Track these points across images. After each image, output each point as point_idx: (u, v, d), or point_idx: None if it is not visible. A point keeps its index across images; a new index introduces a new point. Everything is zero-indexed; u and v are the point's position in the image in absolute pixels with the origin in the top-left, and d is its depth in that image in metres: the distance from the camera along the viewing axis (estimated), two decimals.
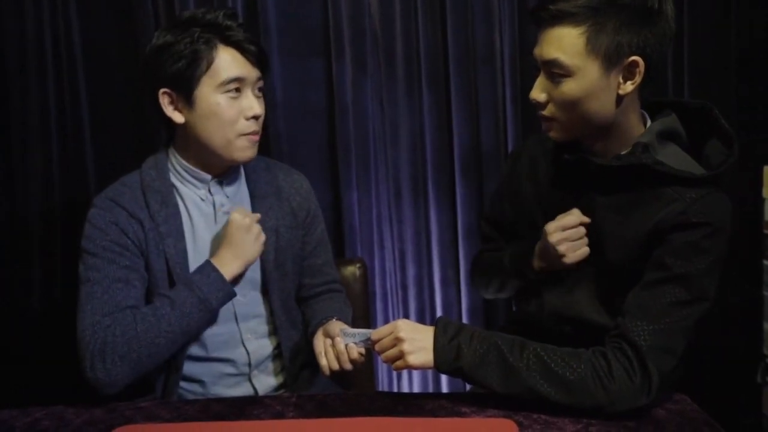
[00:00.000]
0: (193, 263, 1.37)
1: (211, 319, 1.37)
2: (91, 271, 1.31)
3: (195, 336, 1.37)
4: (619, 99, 1.14)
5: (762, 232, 1.95)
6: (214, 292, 1.31)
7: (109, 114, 1.98)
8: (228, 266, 1.34)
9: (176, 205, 1.39)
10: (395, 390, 2.10)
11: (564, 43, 1.10)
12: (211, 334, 1.40)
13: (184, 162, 1.40)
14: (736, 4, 2.01)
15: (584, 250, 1.21)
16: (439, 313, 2.12)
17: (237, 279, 1.37)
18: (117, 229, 1.34)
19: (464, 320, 2.13)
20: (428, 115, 2.05)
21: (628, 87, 1.12)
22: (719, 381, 2.02)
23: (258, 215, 1.39)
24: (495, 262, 1.41)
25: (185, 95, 1.32)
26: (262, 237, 1.38)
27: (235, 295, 1.36)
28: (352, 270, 1.75)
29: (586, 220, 1.21)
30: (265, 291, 1.45)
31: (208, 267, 1.33)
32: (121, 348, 1.25)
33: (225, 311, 1.40)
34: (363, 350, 1.24)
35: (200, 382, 1.42)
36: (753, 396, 2.02)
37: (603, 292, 1.21)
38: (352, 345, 1.23)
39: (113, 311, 1.28)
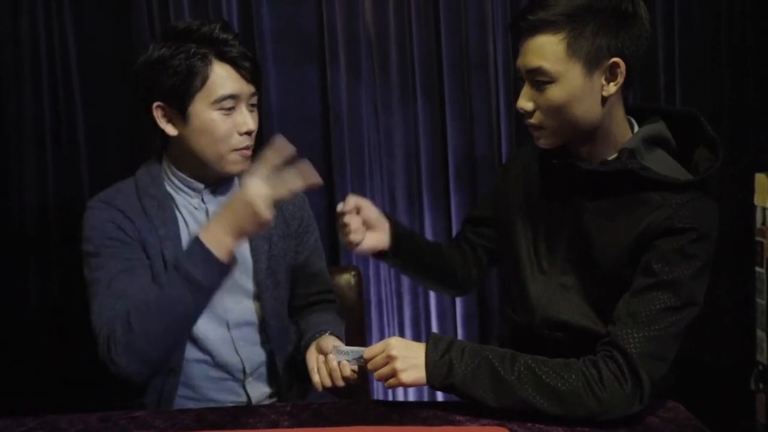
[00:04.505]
0: None
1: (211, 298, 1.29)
2: (95, 271, 1.32)
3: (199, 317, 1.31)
4: (604, 101, 1.16)
5: (754, 239, 1.96)
6: (200, 269, 1.23)
7: (103, 119, 1.99)
8: (218, 240, 1.23)
9: (173, 210, 1.39)
10: (390, 399, 2.10)
11: (545, 50, 1.12)
12: (204, 338, 1.39)
13: (177, 171, 1.40)
14: (727, 9, 2.02)
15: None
16: (433, 320, 2.12)
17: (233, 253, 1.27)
18: (114, 225, 1.34)
19: (459, 327, 2.13)
20: (422, 121, 2.06)
21: (612, 88, 1.14)
22: (713, 388, 2.02)
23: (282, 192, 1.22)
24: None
25: (179, 110, 1.32)
26: (269, 218, 1.22)
27: (229, 269, 1.26)
28: (347, 278, 1.75)
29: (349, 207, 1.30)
30: (257, 299, 1.45)
31: (194, 243, 1.25)
32: (121, 339, 1.24)
33: (217, 317, 1.40)
34: (356, 368, 1.23)
35: (194, 386, 1.42)
36: (746, 403, 2.02)
37: (594, 299, 1.21)
38: (344, 362, 1.23)
39: (116, 305, 1.27)
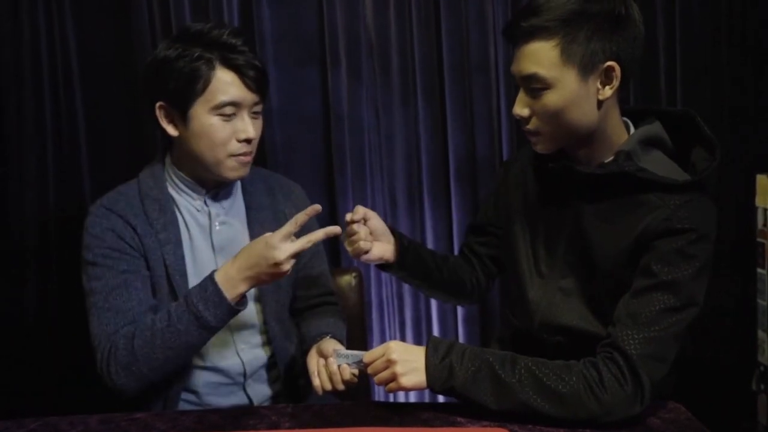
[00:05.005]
0: (191, 273, 1.37)
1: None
2: (93, 281, 1.33)
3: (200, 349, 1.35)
4: (599, 105, 1.15)
5: (755, 240, 1.96)
6: (211, 310, 1.26)
7: (104, 120, 1.98)
8: (233, 285, 1.26)
9: (174, 213, 1.39)
10: (391, 400, 2.10)
11: (540, 56, 1.12)
12: (207, 343, 1.39)
13: (180, 173, 1.41)
14: (727, 9, 2.02)
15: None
16: (434, 322, 2.12)
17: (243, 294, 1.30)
18: (113, 234, 1.34)
19: (460, 329, 2.13)
20: (423, 123, 2.06)
21: (607, 92, 1.14)
22: (714, 389, 2.02)
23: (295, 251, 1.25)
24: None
25: (180, 112, 1.32)
26: (288, 271, 1.26)
27: (239, 310, 1.29)
28: (347, 279, 1.75)
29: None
30: (259, 302, 1.45)
31: (207, 282, 1.27)
32: (122, 359, 1.27)
33: None
34: (356, 371, 1.24)
35: (195, 391, 1.42)
36: (748, 404, 2.02)
37: (593, 301, 1.21)
38: (345, 366, 1.24)
39: (116, 320, 1.29)
